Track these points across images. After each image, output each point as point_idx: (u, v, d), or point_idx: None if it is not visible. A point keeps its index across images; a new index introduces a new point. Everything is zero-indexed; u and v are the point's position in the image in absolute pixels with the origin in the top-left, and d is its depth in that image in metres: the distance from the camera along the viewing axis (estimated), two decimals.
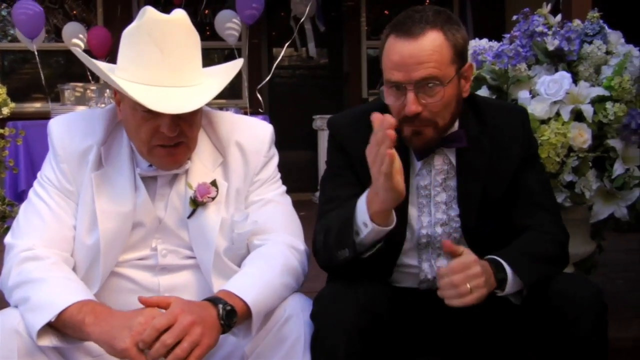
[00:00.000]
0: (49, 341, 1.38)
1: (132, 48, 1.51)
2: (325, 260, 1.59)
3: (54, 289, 1.43)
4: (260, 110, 6.11)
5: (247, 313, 1.41)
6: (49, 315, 1.37)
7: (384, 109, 1.68)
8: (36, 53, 5.88)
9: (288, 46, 6.95)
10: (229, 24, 6.07)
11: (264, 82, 6.24)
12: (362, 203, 1.48)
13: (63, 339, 1.41)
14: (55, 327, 1.39)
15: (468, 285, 1.41)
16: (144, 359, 1.31)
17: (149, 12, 1.50)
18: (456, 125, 1.66)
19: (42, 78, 6.01)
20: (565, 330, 1.45)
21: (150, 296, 1.42)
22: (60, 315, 1.37)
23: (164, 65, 1.48)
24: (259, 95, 6.21)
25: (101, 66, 1.57)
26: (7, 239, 1.56)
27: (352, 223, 1.48)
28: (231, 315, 1.38)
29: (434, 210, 1.67)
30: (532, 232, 1.62)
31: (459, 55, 1.57)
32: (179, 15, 1.51)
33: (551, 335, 1.48)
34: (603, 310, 1.47)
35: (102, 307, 1.41)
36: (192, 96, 1.49)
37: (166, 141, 1.51)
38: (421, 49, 1.51)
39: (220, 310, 1.37)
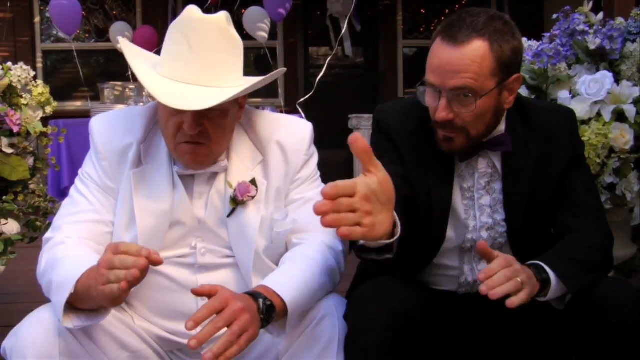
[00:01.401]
0: (70, 323, 1.38)
1: (168, 43, 1.54)
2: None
3: (70, 267, 1.42)
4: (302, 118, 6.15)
5: (284, 311, 1.41)
6: (68, 290, 1.36)
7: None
8: (74, 51, 5.99)
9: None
10: (259, 24, 6.09)
11: (305, 97, 6.25)
12: None
13: (86, 318, 1.40)
14: (80, 307, 1.39)
15: (519, 279, 1.35)
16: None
17: (188, 10, 1.51)
18: (503, 128, 1.64)
19: (82, 77, 6.14)
20: (609, 333, 1.41)
21: (200, 286, 1.40)
22: (76, 288, 1.36)
23: (191, 63, 1.48)
24: (299, 108, 6.23)
25: (144, 58, 1.60)
26: (47, 234, 1.60)
27: None
28: (270, 311, 1.38)
29: (479, 213, 1.65)
30: (576, 236, 1.58)
31: (504, 67, 1.51)
32: (217, 16, 1.51)
33: (594, 338, 1.44)
34: None
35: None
36: (211, 95, 1.47)
37: (188, 139, 1.52)
38: (461, 58, 1.48)
39: (261, 305, 1.37)
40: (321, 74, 6.08)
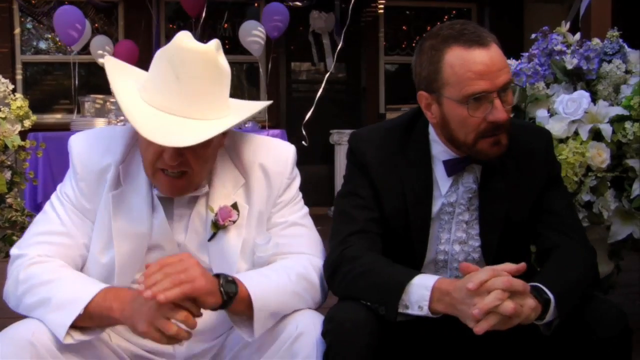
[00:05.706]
0: (71, 339, 1.40)
1: (154, 70, 1.51)
2: (339, 294, 1.58)
3: (73, 285, 1.45)
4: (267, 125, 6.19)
5: (248, 302, 1.42)
6: (77, 309, 1.38)
7: (408, 127, 1.68)
8: (71, 62, 5.95)
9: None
10: (253, 37, 6.15)
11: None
12: (421, 286, 1.43)
13: (84, 333, 1.42)
14: (76, 322, 1.40)
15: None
16: (161, 338, 1.35)
17: (177, 38, 1.48)
18: None
19: (74, 88, 6.09)
20: (593, 349, 1.41)
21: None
22: (86, 307, 1.39)
23: (177, 94, 1.46)
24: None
25: (132, 78, 1.58)
26: (14, 250, 1.55)
27: (401, 293, 1.43)
28: (231, 286, 1.41)
29: (455, 228, 1.66)
30: (565, 253, 1.56)
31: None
32: (207, 47, 1.48)
33: (577, 354, 1.44)
34: (629, 334, 1.44)
35: (123, 290, 1.45)
36: (197, 130, 1.45)
37: (168, 167, 1.49)
38: (496, 56, 1.51)
39: (221, 279, 1.41)
40: (320, 91, 6.10)
